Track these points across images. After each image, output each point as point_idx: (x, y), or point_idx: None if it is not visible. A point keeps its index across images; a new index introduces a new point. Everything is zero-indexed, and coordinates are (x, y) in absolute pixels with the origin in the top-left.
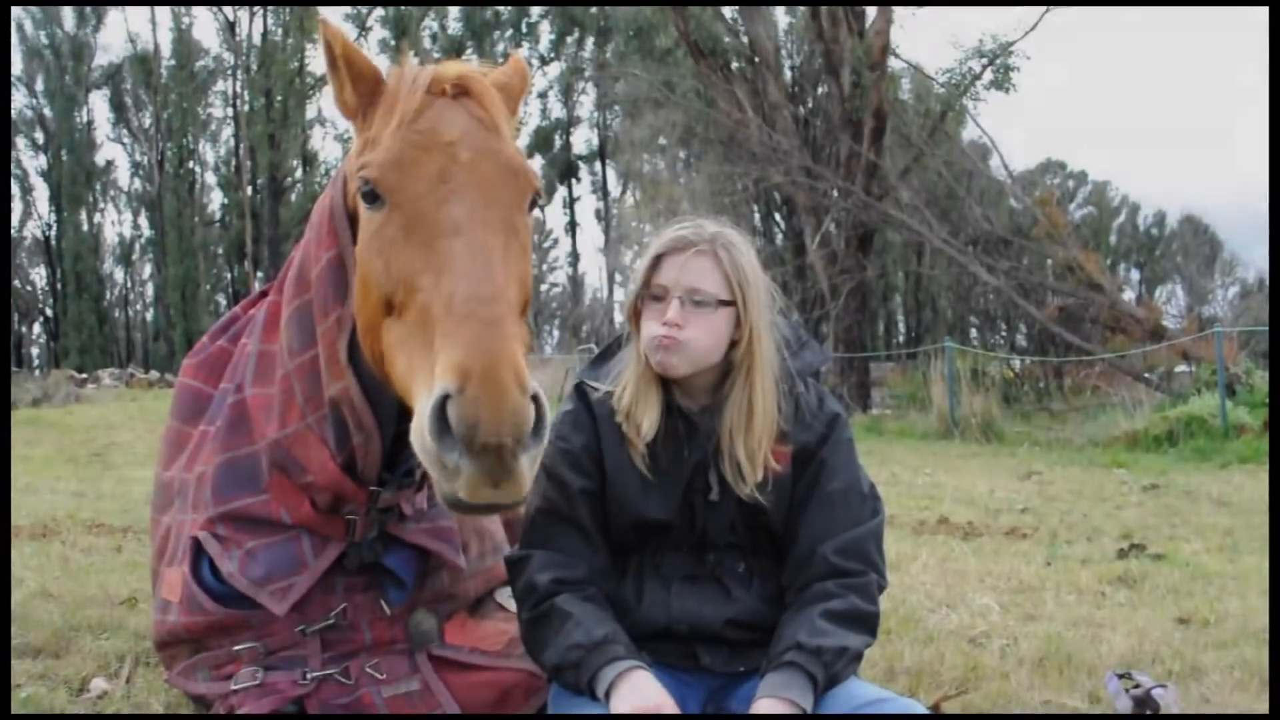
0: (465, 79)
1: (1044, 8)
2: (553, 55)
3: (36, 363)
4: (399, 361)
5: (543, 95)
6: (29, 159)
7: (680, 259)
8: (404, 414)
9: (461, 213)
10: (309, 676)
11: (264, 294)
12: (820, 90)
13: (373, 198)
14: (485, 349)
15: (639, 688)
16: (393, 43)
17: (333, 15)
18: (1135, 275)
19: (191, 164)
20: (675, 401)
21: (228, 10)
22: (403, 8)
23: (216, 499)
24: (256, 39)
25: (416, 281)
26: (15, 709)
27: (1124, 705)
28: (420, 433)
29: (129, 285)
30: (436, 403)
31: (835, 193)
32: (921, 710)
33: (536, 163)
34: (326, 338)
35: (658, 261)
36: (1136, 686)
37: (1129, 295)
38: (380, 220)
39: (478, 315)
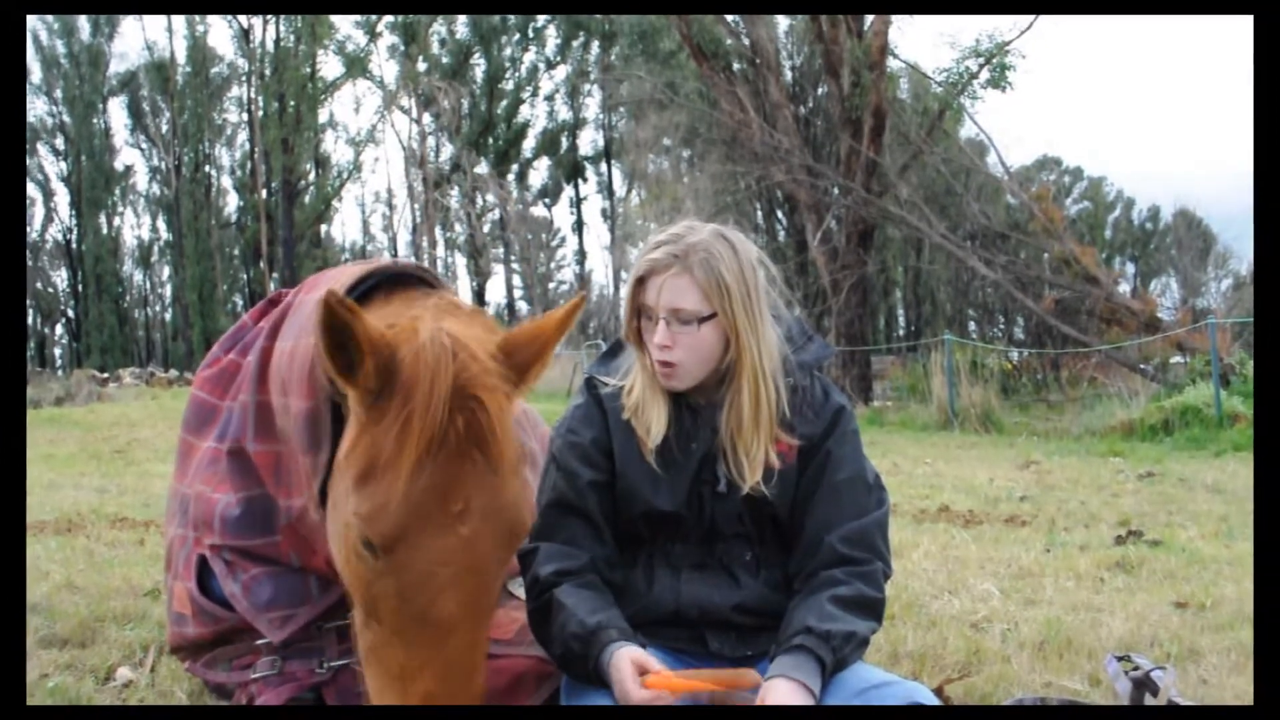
0: (472, 414)
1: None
2: (559, 59)
3: (59, 363)
4: (368, 670)
5: (550, 98)
6: (50, 164)
7: (658, 281)
8: None
9: (456, 608)
10: (326, 665)
11: (272, 302)
12: (820, 90)
13: (367, 545)
14: None
15: (626, 656)
16: (402, 48)
17: (343, 21)
18: (1130, 269)
19: (207, 168)
20: (682, 397)
21: (242, 18)
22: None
23: (224, 533)
24: (270, 45)
25: (401, 642)
26: (43, 698)
27: (1123, 687)
28: None
29: (148, 286)
30: None
31: (836, 190)
32: (926, 692)
33: (544, 164)
34: (303, 470)
35: (641, 283)
36: (1136, 669)
37: (1124, 288)
38: (377, 570)
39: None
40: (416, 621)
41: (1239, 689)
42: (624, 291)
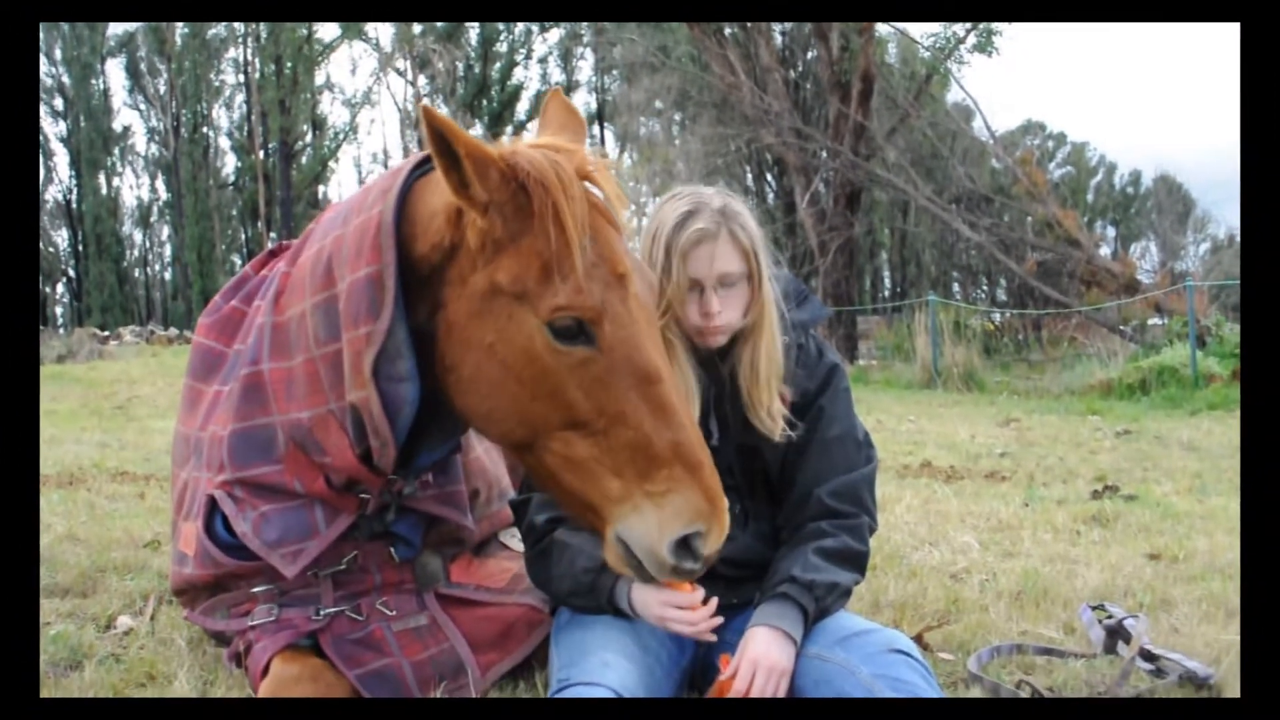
0: (595, 184)
1: None
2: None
3: (60, 321)
4: (599, 479)
5: (543, 60)
6: (50, 125)
7: (708, 250)
8: (418, 428)
9: (656, 356)
10: (322, 613)
11: (273, 253)
12: (810, 54)
13: (573, 336)
14: (715, 491)
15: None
16: None
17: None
18: (1111, 232)
19: (205, 129)
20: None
21: None
22: None
23: (233, 465)
24: None
25: (629, 419)
26: (45, 645)
27: (1097, 635)
28: (657, 557)
29: (148, 246)
30: (682, 538)
31: (824, 153)
32: (905, 639)
33: (537, 126)
34: (353, 346)
35: (685, 258)
36: (1109, 617)
37: (1105, 251)
38: (583, 357)
39: (704, 463)
40: (635, 385)
41: (1209, 637)
42: (664, 267)
